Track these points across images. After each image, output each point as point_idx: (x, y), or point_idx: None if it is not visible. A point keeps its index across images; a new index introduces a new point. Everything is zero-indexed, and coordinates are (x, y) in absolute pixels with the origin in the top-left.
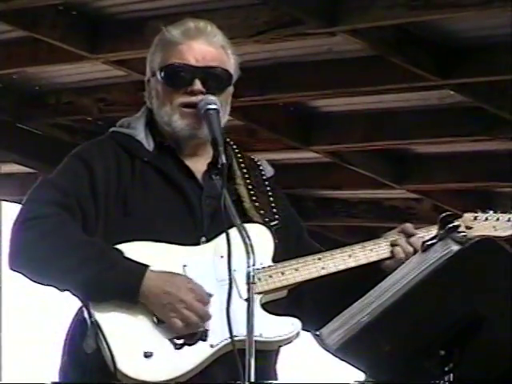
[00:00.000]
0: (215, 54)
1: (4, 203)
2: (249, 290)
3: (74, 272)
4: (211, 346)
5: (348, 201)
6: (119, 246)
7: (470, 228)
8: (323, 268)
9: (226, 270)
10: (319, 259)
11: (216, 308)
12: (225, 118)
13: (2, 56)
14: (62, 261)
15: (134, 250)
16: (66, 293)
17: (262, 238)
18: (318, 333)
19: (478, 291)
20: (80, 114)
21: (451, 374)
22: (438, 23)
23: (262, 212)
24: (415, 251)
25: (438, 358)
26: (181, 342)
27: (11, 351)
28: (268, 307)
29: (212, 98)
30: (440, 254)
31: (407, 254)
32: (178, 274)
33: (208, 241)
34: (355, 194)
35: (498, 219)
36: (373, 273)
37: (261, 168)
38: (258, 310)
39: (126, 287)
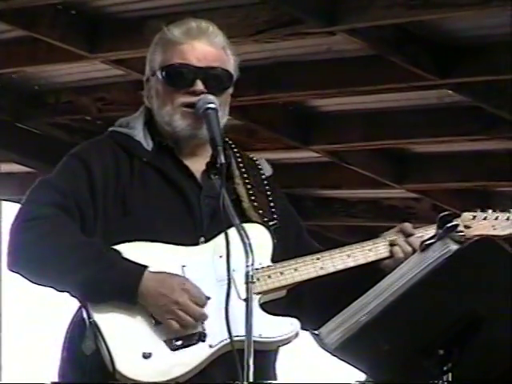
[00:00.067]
0: (216, 54)
1: (4, 203)
2: (247, 290)
3: (72, 273)
4: (210, 347)
5: (347, 200)
6: (118, 247)
7: (469, 227)
8: (322, 268)
9: (225, 270)
10: (318, 259)
11: (215, 308)
12: (224, 118)
13: (1, 55)
14: (61, 262)
15: (133, 250)
16: (65, 293)
17: (260, 237)
18: (316, 332)
19: (477, 291)
20: (79, 114)
21: (450, 374)
22: (437, 23)
23: (260, 212)
24: (414, 251)
25: (436, 358)
26: (179, 343)
27: (11, 351)
28: (267, 307)
29: (210, 97)
30: (439, 253)
31: (406, 254)
32: (175, 275)
33: (207, 241)
34: (354, 194)
35: (496, 218)
36: (372, 272)
37: (259, 167)
38: (256, 310)
39: (124, 288)
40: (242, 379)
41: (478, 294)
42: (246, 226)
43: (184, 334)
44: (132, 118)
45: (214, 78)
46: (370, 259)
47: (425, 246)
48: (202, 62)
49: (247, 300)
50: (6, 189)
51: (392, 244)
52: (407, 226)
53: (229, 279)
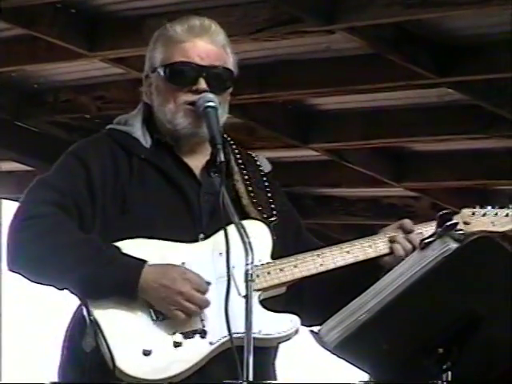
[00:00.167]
0: (218, 53)
1: (4, 201)
2: (247, 289)
3: (71, 271)
4: (210, 344)
5: (346, 199)
6: (117, 244)
7: (468, 223)
8: (322, 264)
9: (224, 266)
10: (318, 256)
11: (215, 305)
12: (223, 117)
13: (1, 54)
14: (60, 260)
15: (132, 248)
16: (65, 291)
17: (260, 234)
18: (316, 331)
19: (477, 289)
20: (78, 112)
21: (449, 373)
22: (436, 21)
23: (259, 208)
24: (414, 248)
25: (436, 356)
26: (179, 339)
27: (11, 351)
28: (267, 304)
29: (210, 96)
30: (438, 252)
31: (406, 251)
32: (175, 266)
33: (206, 237)
34: (354, 192)
35: (496, 214)
36: (371, 269)
37: (258, 163)
38: (256, 307)
39: (124, 283)
40: (241, 377)
41: (477, 293)
42: (246, 222)
43: (184, 331)
44: (130, 115)
45: (216, 77)
46: (369, 256)
47: (424, 245)
48: (204, 60)
49: (247, 299)
50: (5, 187)
51: (392, 241)
52: (407, 222)
53: (228, 276)
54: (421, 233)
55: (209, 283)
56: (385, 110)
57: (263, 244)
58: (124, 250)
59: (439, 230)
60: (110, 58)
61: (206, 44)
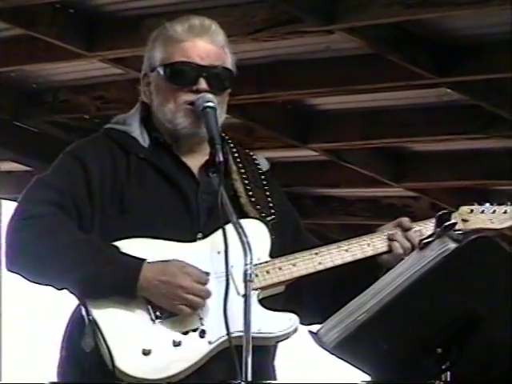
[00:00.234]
0: (217, 53)
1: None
2: (246, 289)
3: (71, 270)
4: (209, 343)
5: (345, 199)
6: (116, 243)
7: (467, 221)
8: (320, 263)
9: (223, 265)
10: (316, 254)
11: (214, 304)
12: (222, 117)
13: (0, 54)
14: (59, 260)
15: (131, 247)
16: (64, 291)
17: (258, 233)
18: (315, 331)
19: (476, 289)
20: (77, 112)
21: (448, 373)
22: (436, 21)
23: (258, 207)
24: (413, 246)
25: (435, 356)
26: (179, 339)
27: (11, 351)
28: (266, 302)
29: (209, 96)
30: (437, 252)
31: (405, 250)
32: (173, 261)
33: (205, 237)
34: (353, 192)
35: (494, 211)
36: (370, 267)
37: (256, 162)
38: (255, 306)
39: (123, 282)
40: (240, 376)
41: (476, 293)
42: (244, 221)
43: (184, 330)
44: (128, 115)
45: (217, 77)
46: (367, 254)
47: (423, 245)
48: (204, 60)
49: (246, 298)
50: (4, 187)
51: (390, 239)
52: (405, 220)
53: (227, 276)
54: (419, 231)
55: (208, 273)
56: (384, 110)
57: (262, 243)
58: (123, 250)
59: (438, 230)
60: (109, 58)
61: (206, 44)
